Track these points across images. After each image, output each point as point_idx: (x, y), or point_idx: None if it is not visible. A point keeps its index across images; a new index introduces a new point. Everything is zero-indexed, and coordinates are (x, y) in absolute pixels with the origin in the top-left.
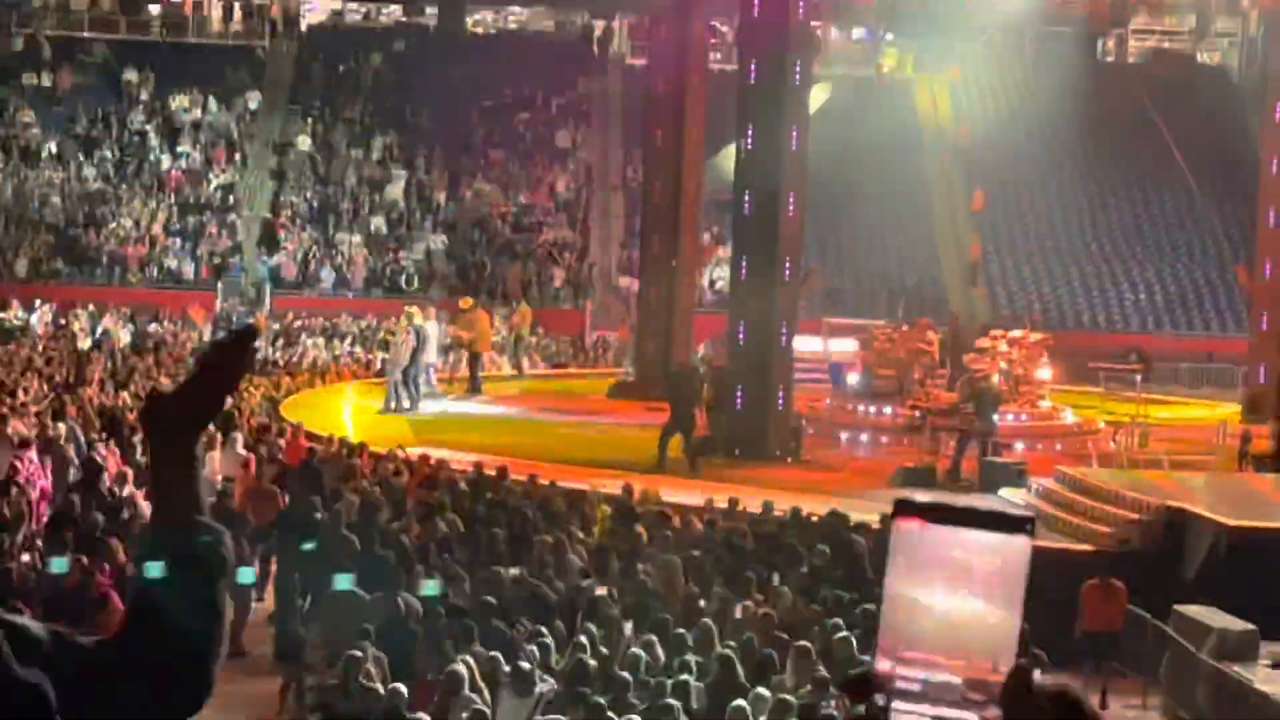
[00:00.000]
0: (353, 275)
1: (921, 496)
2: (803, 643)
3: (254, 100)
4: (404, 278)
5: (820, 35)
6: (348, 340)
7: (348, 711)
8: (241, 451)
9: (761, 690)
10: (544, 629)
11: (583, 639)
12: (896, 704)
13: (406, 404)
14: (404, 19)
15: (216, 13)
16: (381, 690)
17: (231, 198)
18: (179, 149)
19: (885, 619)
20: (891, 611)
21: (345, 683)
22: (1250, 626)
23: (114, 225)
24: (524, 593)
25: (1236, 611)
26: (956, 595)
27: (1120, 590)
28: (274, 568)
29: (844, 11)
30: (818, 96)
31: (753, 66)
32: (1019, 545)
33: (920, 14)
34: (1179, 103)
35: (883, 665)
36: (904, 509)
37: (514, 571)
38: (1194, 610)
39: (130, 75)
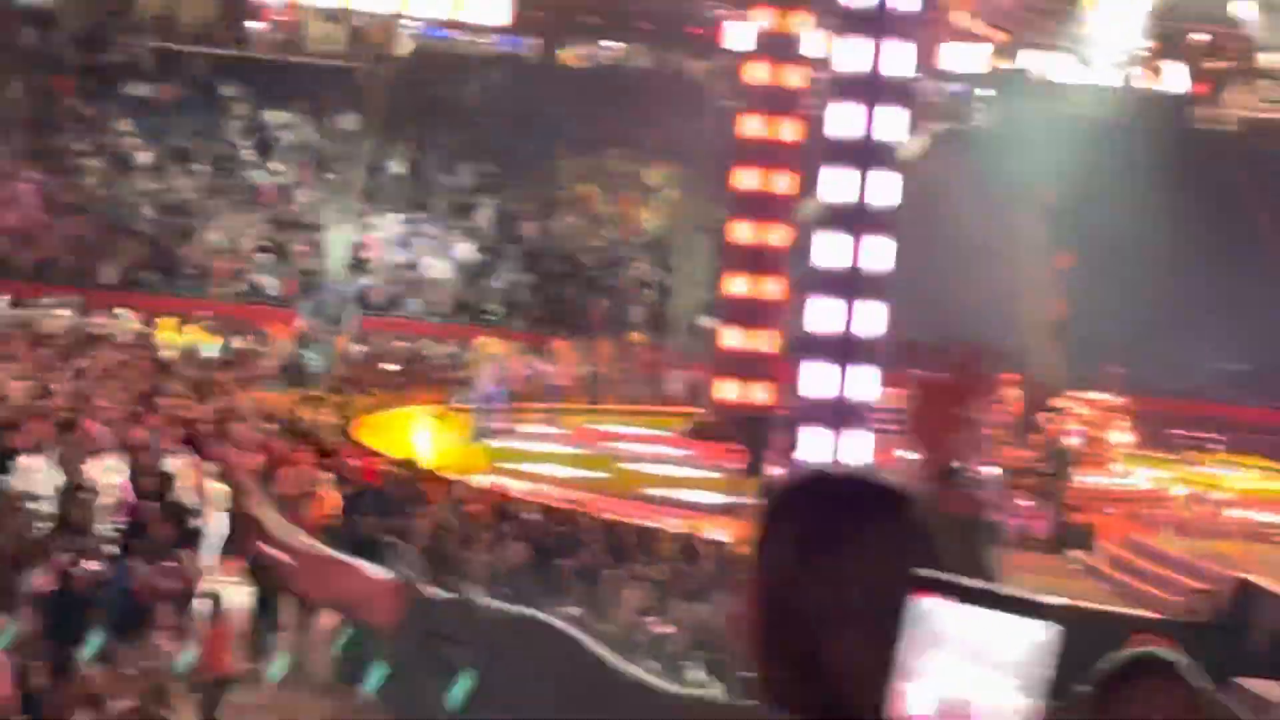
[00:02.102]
0: (438, 301)
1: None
2: None
3: (349, 121)
4: (489, 306)
5: (912, 87)
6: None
7: None
8: (311, 470)
9: None
10: None
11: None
12: None
13: (486, 432)
14: (502, 49)
15: (317, 32)
16: None
17: (321, 217)
18: (272, 165)
19: (899, 693)
20: (906, 686)
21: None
22: None
23: (204, 238)
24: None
25: None
26: (974, 676)
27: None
28: None
29: (937, 66)
30: (908, 148)
31: (840, 114)
32: (1043, 632)
33: (1016, 74)
34: (1275, 172)
35: None
36: (926, 584)
37: (574, 610)
38: (1255, 684)
39: (228, 90)
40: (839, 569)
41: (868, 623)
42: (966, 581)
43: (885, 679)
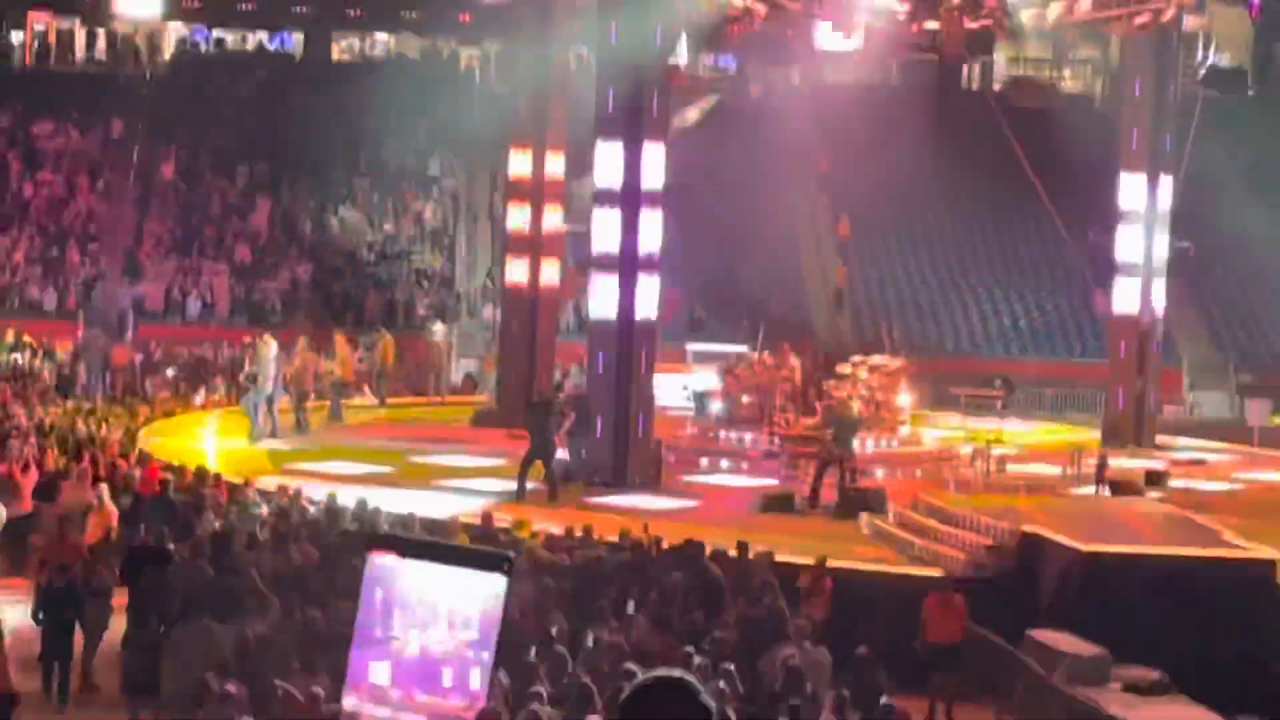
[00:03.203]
0: (217, 304)
1: (399, 531)
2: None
3: (117, 128)
4: (269, 306)
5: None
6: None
7: None
8: (92, 483)
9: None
10: None
11: None
12: None
13: (269, 432)
14: (269, 47)
15: (80, 40)
16: None
17: (94, 226)
18: (41, 177)
19: (355, 655)
20: (363, 647)
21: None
22: (1102, 651)
23: None
24: None
25: (1089, 636)
26: (430, 632)
27: (960, 603)
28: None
29: (707, 39)
30: (682, 122)
31: (610, 95)
32: (496, 584)
33: (782, 46)
34: (1040, 129)
35: (349, 702)
36: (378, 542)
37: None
38: (1046, 635)
39: None
40: None
41: None
42: (419, 537)
43: None
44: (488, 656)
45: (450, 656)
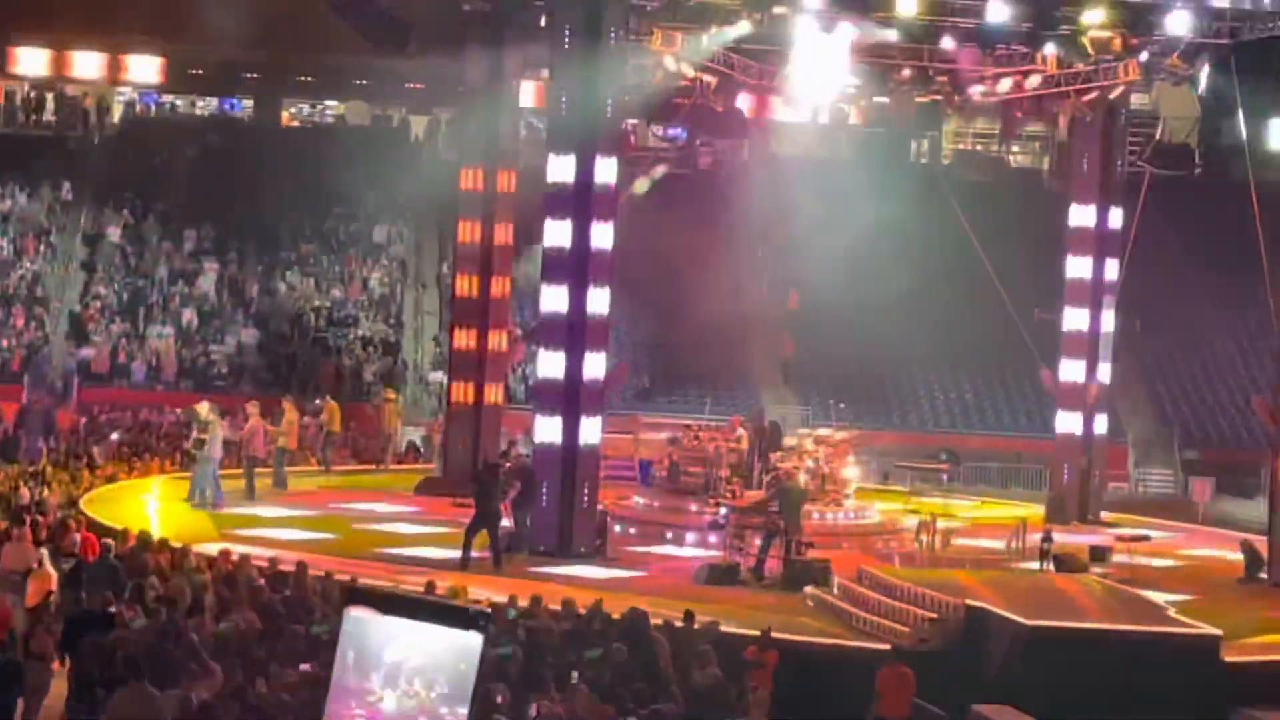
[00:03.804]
0: (163, 368)
1: (375, 585)
2: None
3: (65, 191)
4: (215, 371)
5: (635, 132)
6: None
7: None
8: (32, 547)
9: None
10: None
11: None
12: None
13: (213, 498)
14: (219, 111)
15: (29, 102)
16: None
17: (40, 289)
18: None
19: (331, 709)
20: (338, 701)
21: None
22: None
23: None
24: (317, 689)
25: (1033, 711)
26: (405, 687)
27: (911, 677)
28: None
29: (657, 111)
30: (632, 193)
31: (559, 164)
32: (471, 641)
33: (732, 118)
34: (988, 204)
35: None
36: (356, 597)
37: (305, 668)
38: (990, 710)
39: None
40: None
41: None
42: (395, 592)
43: None
44: (463, 711)
45: (425, 712)
